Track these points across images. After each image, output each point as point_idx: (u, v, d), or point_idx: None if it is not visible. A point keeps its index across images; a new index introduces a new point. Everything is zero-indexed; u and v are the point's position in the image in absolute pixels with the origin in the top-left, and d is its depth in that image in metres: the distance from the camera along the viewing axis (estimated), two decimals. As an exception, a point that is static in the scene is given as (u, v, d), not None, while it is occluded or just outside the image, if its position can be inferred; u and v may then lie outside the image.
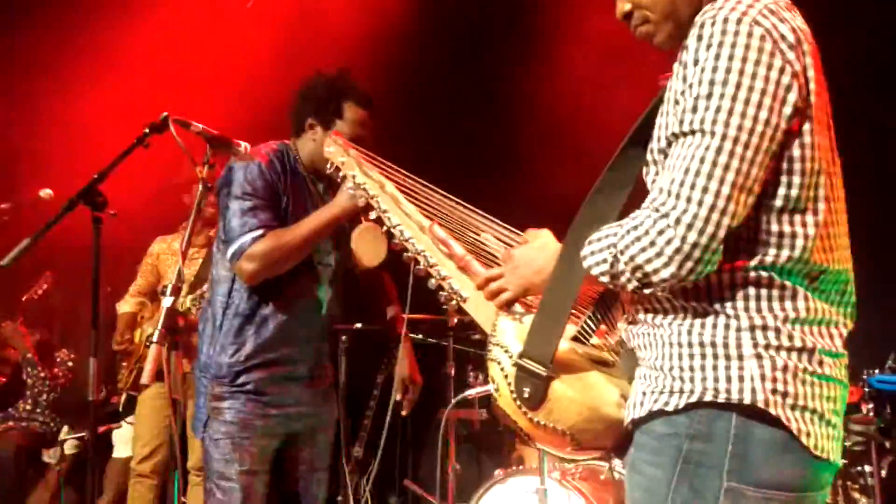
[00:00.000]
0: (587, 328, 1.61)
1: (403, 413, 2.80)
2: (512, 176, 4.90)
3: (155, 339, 1.97)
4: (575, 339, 1.60)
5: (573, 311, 1.64)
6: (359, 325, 3.88)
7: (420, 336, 4.11)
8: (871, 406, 3.57)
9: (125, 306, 4.24)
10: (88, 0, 5.02)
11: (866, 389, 3.63)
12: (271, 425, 2.58)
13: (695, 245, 1.28)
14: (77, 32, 4.95)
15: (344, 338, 3.93)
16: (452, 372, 3.98)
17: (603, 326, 1.66)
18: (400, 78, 4.94)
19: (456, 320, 3.87)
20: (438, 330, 4.03)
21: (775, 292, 1.34)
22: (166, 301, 2.02)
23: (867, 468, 3.61)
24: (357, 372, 4.17)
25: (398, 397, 2.80)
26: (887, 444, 3.59)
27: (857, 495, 3.85)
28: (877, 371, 3.67)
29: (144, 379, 1.92)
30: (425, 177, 2.04)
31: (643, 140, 1.45)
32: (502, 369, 1.53)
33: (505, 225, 1.83)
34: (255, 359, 2.56)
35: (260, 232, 2.49)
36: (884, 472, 3.65)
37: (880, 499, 3.50)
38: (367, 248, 2.52)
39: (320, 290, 2.66)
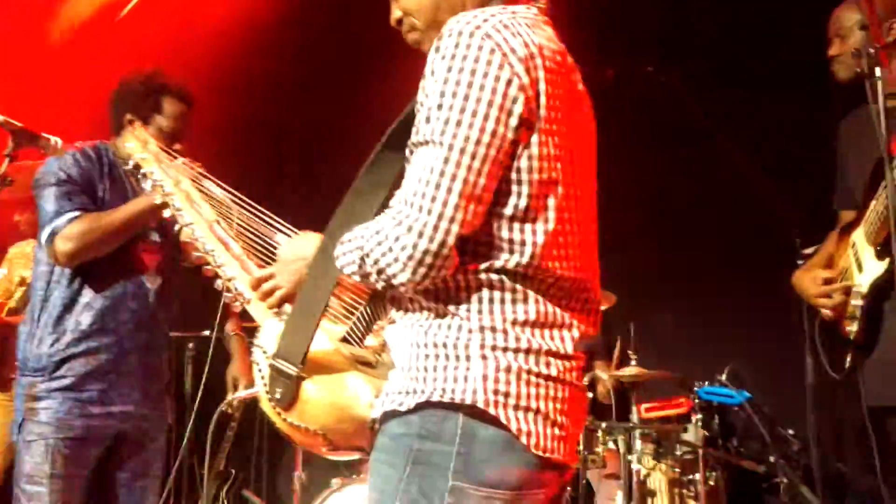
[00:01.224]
0: (358, 328, 1.64)
1: (226, 409, 2.77)
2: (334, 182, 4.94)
3: None
4: (344, 339, 1.63)
5: (349, 309, 1.67)
6: (206, 333, 3.82)
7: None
8: (699, 417, 3.73)
9: None
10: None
11: (696, 401, 3.79)
12: (92, 426, 2.49)
13: (426, 252, 1.33)
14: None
15: (191, 345, 3.87)
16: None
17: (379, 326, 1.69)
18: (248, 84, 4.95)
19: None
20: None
21: (507, 295, 1.39)
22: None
23: (697, 476, 3.77)
24: (209, 382, 4.10)
25: (229, 397, 2.77)
26: (705, 452, 3.74)
27: (690, 502, 4.01)
28: (706, 383, 3.85)
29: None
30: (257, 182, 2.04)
31: (399, 143, 1.49)
32: (260, 370, 1.55)
33: (291, 227, 1.85)
34: (76, 347, 2.49)
35: (76, 213, 2.46)
36: (712, 482, 3.81)
37: (706, 506, 3.66)
38: None
39: (146, 277, 2.61)
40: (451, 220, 1.33)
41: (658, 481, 4.15)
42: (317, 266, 1.51)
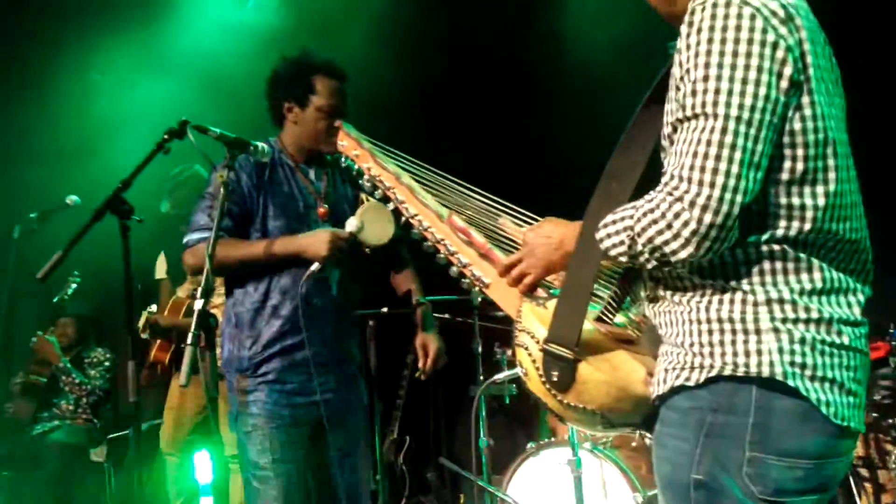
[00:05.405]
0: (611, 307, 1.65)
1: (420, 377, 2.81)
2: (531, 160, 4.87)
3: (189, 341, 2.02)
4: (598, 318, 1.64)
5: (595, 289, 1.68)
6: (385, 310, 3.92)
7: (447, 315, 4.16)
8: (898, 359, 3.57)
9: (180, 292, 4.23)
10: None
11: (893, 343, 3.62)
12: (298, 414, 2.62)
13: (711, 225, 1.32)
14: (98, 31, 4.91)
15: (371, 322, 3.99)
16: (480, 349, 4.06)
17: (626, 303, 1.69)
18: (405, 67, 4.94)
19: (480, 299, 3.91)
20: (464, 309, 4.08)
21: (790, 265, 1.37)
22: (197, 303, 2.07)
23: (897, 420, 3.62)
24: (388, 356, 4.22)
25: (420, 364, 2.81)
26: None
27: (888, 447, 3.86)
28: (903, 325, 3.67)
29: (182, 381, 1.97)
30: (441, 167, 2.06)
31: (651, 123, 1.47)
32: (530, 354, 1.57)
33: (520, 210, 1.86)
34: (273, 347, 2.61)
35: (205, 235, 2.56)
36: (914, 424, 3.65)
37: (912, 450, 3.51)
38: (373, 227, 2.55)
39: (328, 271, 2.65)
40: (735, 191, 1.31)
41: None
42: (581, 249, 1.52)
